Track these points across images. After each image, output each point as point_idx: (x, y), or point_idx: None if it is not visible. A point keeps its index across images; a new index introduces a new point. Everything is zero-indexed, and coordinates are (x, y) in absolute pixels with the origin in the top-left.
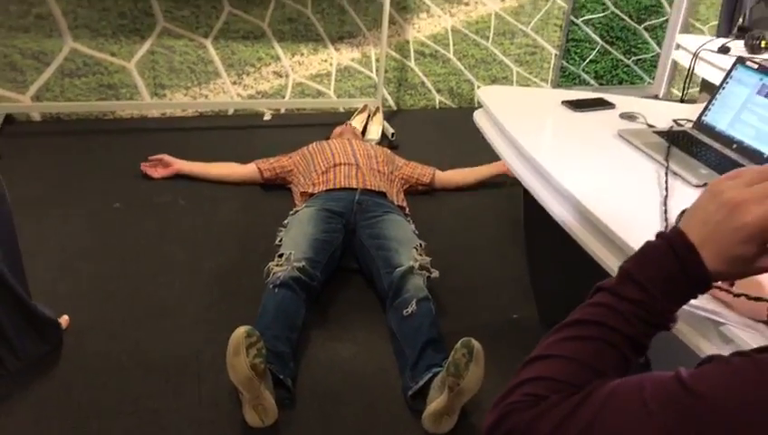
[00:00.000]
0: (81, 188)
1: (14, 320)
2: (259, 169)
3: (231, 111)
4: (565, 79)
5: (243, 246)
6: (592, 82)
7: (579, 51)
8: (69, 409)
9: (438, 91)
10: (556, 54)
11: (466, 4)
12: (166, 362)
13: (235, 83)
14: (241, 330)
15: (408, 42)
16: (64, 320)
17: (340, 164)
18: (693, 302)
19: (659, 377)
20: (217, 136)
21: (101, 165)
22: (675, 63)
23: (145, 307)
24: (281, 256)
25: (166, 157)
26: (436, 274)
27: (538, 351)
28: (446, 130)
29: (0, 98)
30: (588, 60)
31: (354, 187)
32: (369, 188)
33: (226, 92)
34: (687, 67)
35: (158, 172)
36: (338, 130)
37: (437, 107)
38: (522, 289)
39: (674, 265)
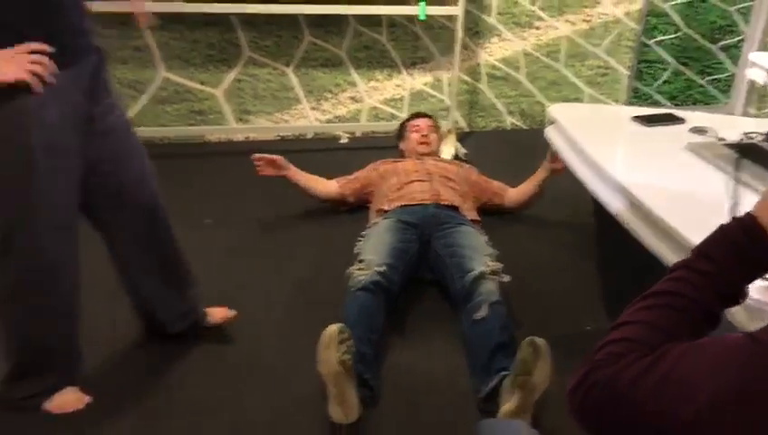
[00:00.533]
0: (175, 206)
1: (173, 279)
2: (341, 189)
3: (310, 135)
4: (638, 99)
5: (321, 258)
6: (666, 102)
7: (651, 72)
8: (176, 404)
9: (510, 112)
10: (628, 75)
11: (537, 28)
12: (254, 361)
13: (313, 108)
14: (333, 327)
15: (479, 65)
16: (227, 313)
17: (414, 181)
18: (754, 295)
19: (729, 335)
20: (297, 158)
21: (192, 185)
22: (751, 83)
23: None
24: (361, 261)
25: (280, 159)
26: (507, 278)
27: (621, 319)
28: (517, 150)
29: None
30: (661, 81)
31: (428, 201)
32: (442, 202)
33: (306, 117)
34: (764, 85)
35: (267, 171)
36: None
37: (509, 128)
38: (595, 301)
39: (743, 243)
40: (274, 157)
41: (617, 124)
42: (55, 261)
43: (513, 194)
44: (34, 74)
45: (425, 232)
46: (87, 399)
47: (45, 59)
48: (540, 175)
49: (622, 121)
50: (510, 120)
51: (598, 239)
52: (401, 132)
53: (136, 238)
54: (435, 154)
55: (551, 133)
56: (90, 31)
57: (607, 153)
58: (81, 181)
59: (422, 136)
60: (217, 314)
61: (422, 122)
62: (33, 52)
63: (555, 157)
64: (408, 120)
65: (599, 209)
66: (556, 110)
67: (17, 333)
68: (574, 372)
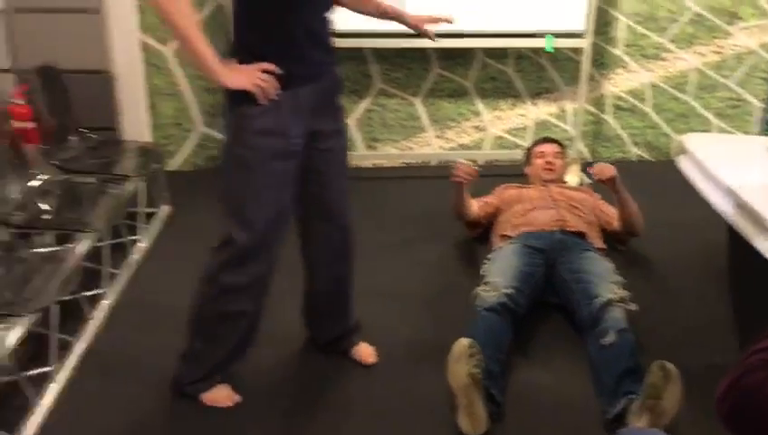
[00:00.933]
0: None
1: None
2: (480, 211)
3: (434, 162)
4: None
5: (446, 278)
6: None
7: None
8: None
9: (635, 144)
10: (761, 107)
11: (665, 59)
12: (385, 369)
13: (438, 137)
14: (464, 341)
15: (604, 96)
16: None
17: (539, 208)
18: None
19: None
20: (421, 184)
21: None
22: None
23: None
24: (487, 283)
25: (476, 173)
26: (635, 307)
27: None
28: (641, 182)
29: None
30: None
31: (554, 228)
32: (568, 228)
33: (430, 145)
34: None
35: (462, 179)
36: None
37: (634, 160)
38: (725, 334)
39: None
40: (476, 169)
41: (753, 154)
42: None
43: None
44: (259, 87)
45: (551, 257)
46: (237, 398)
47: (271, 78)
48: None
49: (759, 151)
50: (635, 152)
51: (731, 270)
52: (527, 157)
53: (330, 249)
54: (559, 180)
55: (682, 163)
56: (332, 57)
57: (745, 184)
58: (296, 187)
59: (547, 162)
60: (363, 352)
61: (547, 148)
62: (264, 71)
63: (594, 168)
64: (534, 144)
65: (733, 239)
66: (689, 139)
67: (206, 322)
68: (721, 379)
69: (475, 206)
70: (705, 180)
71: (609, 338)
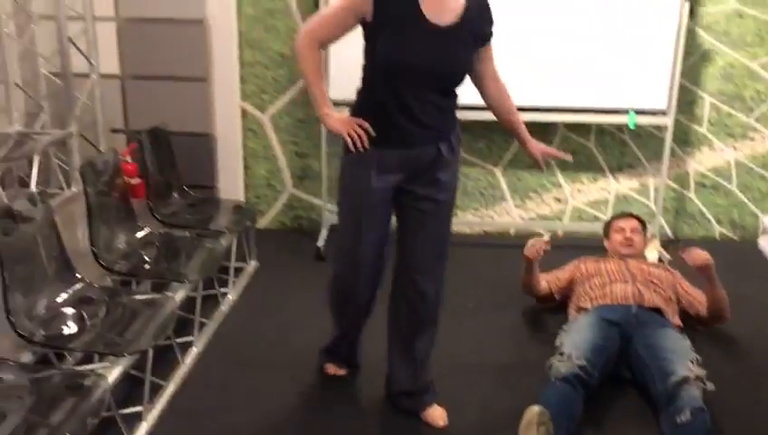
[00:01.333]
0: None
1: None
2: (549, 287)
3: (513, 232)
4: None
5: (520, 346)
6: None
7: None
8: None
9: (719, 222)
10: None
11: (752, 139)
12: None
13: (518, 207)
14: (535, 408)
15: (687, 173)
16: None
17: (616, 281)
18: None
19: None
20: (500, 253)
21: None
22: None
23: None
24: (561, 354)
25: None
26: (712, 387)
27: None
28: (724, 262)
29: (329, 210)
30: None
31: (630, 302)
32: (645, 304)
33: (510, 214)
34: None
35: (535, 254)
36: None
37: (717, 238)
38: None
39: None
40: (548, 244)
41: None
42: (363, 287)
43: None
44: (350, 137)
45: (626, 331)
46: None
47: (363, 133)
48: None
49: None
50: (719, 230)
51: None
52: (607, 231)
53: (404, 307)
54: (638, 256)
55: (763, 243)
56: (440, 131)
57: None
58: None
59: (625, 238)
60: (434, 414)
61: (626, 223)
62: (359, 125)
63: (685, 250)
64: (613, 219)
65: None
66: None
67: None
68: None
69: (544, 282)
70: None
71: (685, 416)
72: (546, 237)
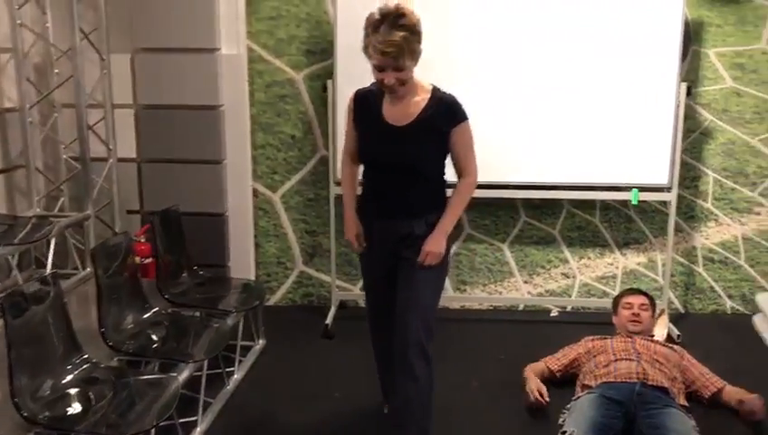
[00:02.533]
0: None
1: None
2: (550, 369)
3: (521, 307)
4: None
5: (525, 427)
6: None
7: None
8: None
9: (729, 296)
10: None
11: (758, 213)
12: None
13: (526, 282)
14: None
15: (695, 248)
16: None
17: (622, 359)
18: None
19: None
20: (508, 328)
21: None
22: None
23: None
24: (563, 433)
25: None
26: None
27: None
28: (736, 336)
29: (338, 287)
30: None
31: (634, 380)
32: (649, 382)
33: (518, 290)
34: None
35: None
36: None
37: (728, 312)
38: None
39: None
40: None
41: None
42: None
43: (726, 394)
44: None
45: (630, 410)
46: None
47: (355, 242)
48: (734, 399)
49: None
50: (730, 305)
51: None
52: (615, 306)
53: (396, 346)
54: (646, 333)
55: (757, 322)
56: (412, 210)
57: None
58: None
59: (633, 314)
60: None
61: (634, 300)
62: (357, 234)
63: (743, 402)
64: (621, 295)
65: None
66: (764, 299)
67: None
68: None
69: (542, 366)
70: None
71: None
72: (555, 313)
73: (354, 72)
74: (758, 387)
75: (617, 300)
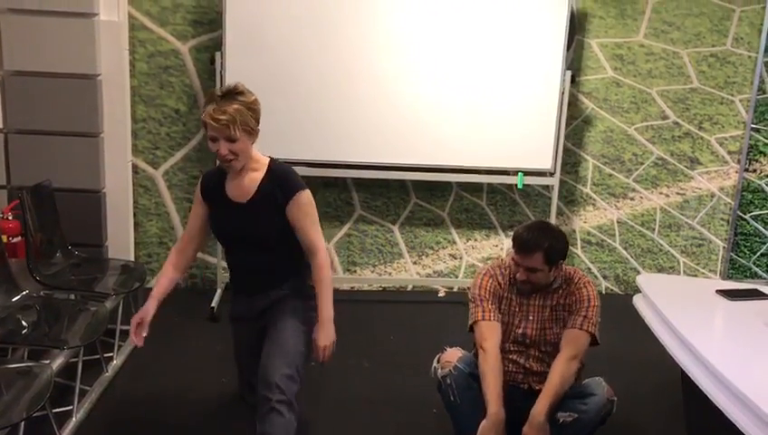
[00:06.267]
0: None
1: None
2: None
3: (410, 287)
4: (735, 271)
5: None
6: (765, 275)
7: (749, 244)
8: None
9: (605, 277)
10: (724, 247)
11: (632, 199)
12: None
13: (415, 263)
14: None
15: (574, 231)
16: None
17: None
18: None
19: None
20: (397, 309)
21: None
22: None
23: None
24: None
25: None
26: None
27: None
28: (609, 314)
29: (224, 269)
30: (759, 253)
31: None
32: None
33: (407, 271)
34: None
35: None
36: None
37: (603, 292)
38: None
39: None
40: None
41: (701, 297)
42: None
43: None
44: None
45: None
46: None
47: (133, 326)
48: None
49: (706, 294)
50: (605, 285)
51: (685, 409)
52: None
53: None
54: None
55: (638, 302)
56: (269, 281)
57: (691, 327)
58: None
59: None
60: None
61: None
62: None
63: None
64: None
65: (685, 379)
66: (643, 279)
67: None
68: None
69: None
70: (655, 321)
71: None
72: (442, 293)
73: (244, 44)
74: (626, 361)
75: None
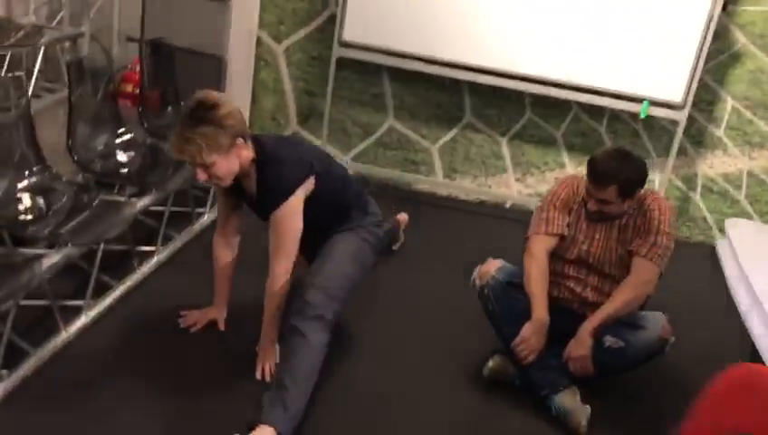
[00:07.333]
0: None
1: None
2: None
3: (508, 205)
4: None
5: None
6: None
7: None
8: None
9: (720, 230)
10: None
11: None
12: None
13: (518, 180)
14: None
15: (696, 175)
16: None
17: None
18: None
19: None
20: (492, 223)
21: None
22: None
23: None
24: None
25: None
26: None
27: None
28: (716, 269)
29: None
30: None
31: None
32: None
33: (509, 187)
34: None
35: None
36: None
37: (715, 245)
38: None
39: None
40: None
41: None
42: None
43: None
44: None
45: None
46: None
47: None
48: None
49: None
50: (719, 238)
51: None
52: None
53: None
54: None
55: (721, 248)
56: (335, 225)
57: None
58: None
59: None
60: None
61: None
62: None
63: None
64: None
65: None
66: (733, 224)
67: None
68: None
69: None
70: (734, 269)
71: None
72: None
73: None
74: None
75: None
